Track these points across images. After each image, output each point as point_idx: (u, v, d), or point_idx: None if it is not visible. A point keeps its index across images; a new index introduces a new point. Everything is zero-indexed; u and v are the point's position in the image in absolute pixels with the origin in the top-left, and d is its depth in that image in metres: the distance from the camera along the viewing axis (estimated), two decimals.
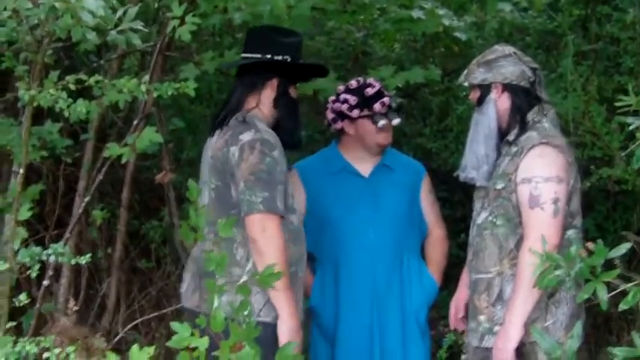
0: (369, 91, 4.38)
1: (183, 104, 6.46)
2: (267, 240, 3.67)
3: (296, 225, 3.91)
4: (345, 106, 4.38)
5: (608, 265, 4.78)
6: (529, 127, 3.88)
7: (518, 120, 3.90)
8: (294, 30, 4.31)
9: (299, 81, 4.11)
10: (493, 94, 3.91)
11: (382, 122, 4.37)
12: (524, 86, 3.91)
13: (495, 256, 3.86)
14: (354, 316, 4.36)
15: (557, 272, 2.97)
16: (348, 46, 6.86)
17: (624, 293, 2.78)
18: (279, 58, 3.95)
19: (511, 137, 3.89)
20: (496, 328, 3.83)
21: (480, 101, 3.95)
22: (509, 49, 4.01)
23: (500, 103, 3.91)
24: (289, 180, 3.94)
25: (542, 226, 3.69)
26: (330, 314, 4.41)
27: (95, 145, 5.35)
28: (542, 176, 3.73)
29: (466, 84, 4.00)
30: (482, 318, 3.89)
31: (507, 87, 3.90)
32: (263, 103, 3.96)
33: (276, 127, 3.95)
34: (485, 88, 3.92)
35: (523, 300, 3.69)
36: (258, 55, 3.97)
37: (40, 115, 4.87)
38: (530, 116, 3.90)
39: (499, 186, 3.84)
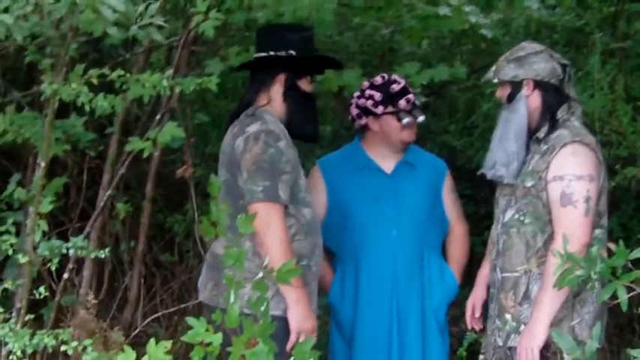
0: (395, 87, 4.37)
1: (208, 99, 6.47)
2: (267, 229, 3.68)
3: (308, 218, 3.92)
4: (369, 102, 4.37)
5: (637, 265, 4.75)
6: (559, 125, 3.86)
7: (548, 118, 3.87)
8: (304, 25, 4.39)
9: (309, 74, 4.09)
10: (524, 91, 3.87)
11: (407, 119, 4.36)
12: (554, 83, 3.88)
13: (522, 254, 3.84)
14: (373, 312, 4.36)
15: (578, 273, 2.95)
16: (375, 43, 6.83)
17: None
18: (283, 53, 3.99)
19: (541, 135, 3.86)
20: (522, 328, 3.83)
21: (510, 98, 3.91)
22: (539, 45, 3.99)
23: (531, 100, 3.88)
24: (301, 173, 3.96)
25: (573, 225, 3.68)
26: (349, 311, 4.41)
27: (120, 139, 5.36)
28: (574, 174, 3.72)
29: (495, 80, 3.95)
30: (508, 317, 3.88)
31: (539, 84, 3.87)
32: (274, 99, 4.01)
33: (288, 121, 4.00)
34: (516, 85, 3.89)
35: (551, 299, 3.68)
36: (264, 54, 4.03)
37: (67, 109, 4.90)
38: (560, 114, 3.88)
39: (528, 184, 3.82)
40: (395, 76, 4.45)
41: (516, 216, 3.87)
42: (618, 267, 2.80)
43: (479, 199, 6.18)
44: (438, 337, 4.41)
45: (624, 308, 2.80)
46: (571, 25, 5.81)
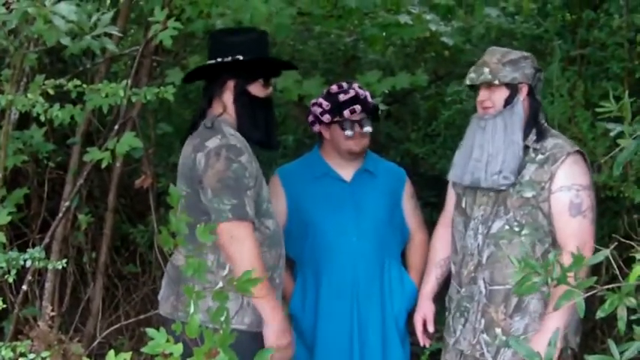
0: (342, 97, 4.36)
1: (172, 108, 6.45)
2: (238, 247, 3.63)
3: (272, 230, 3.87)
4: (318, 110, 4.39)
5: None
6: (546, 133, 3.88)
7: (532, 124, 3.88)
8: (253, 27, 4.30)
9: (260, 78, 3.94)
10: (520, 95, 3.86)
11: (348, 130, 4.36)
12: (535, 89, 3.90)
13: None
14: (334, 320, 4.37)
15: (536, 279, 2.95)
16: (338, 51, 6.85)
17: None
18: (229, 59, 3.87)
19: (529, 143, 3.86)
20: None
21: (508, 102, 3.86)
22: (521, 52, 3.98)
23: (524, 104, 3.87)
24: (263, 184, 3.90)
25: (585, 234, 3.73)
26: (310, 319, 4.41)
27: (82, 150, 5.32)
28: (581, 184, 3.76)
29: (496, 82, 3.84)
30: (498, 331, 3.87)
31: (530, 89, 3.88)
32: (228, 106, 3.90)
33: (238, 127, 3.88)
34: (513, 88, 3.85)
35: (565, 308, 3.62)
36: (213, 61, 3.92)
37: (29, 120, 4.88)
38: (540, 121, 3.91)
39: (528, 194, 3.81)
40: (354, 85, 4.43)
41: (507, 227, 3.85)
42: (576, 273, 2.81)
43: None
44: (398, 344, 4.41)
45: (582, 314, 2.80)
46: (531, 33, 5.84)
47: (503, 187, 3.83)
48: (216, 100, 3.92)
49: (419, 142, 6.32)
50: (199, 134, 3.83)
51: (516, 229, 3.83)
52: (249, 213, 3.68)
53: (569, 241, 3.72)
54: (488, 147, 3.86)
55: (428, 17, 5.42)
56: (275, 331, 3.73)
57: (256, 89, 3.92)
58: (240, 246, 3.63)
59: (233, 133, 3.81)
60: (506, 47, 4.19)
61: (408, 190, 4.56)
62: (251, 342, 3.71)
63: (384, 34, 5.72)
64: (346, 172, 4.46)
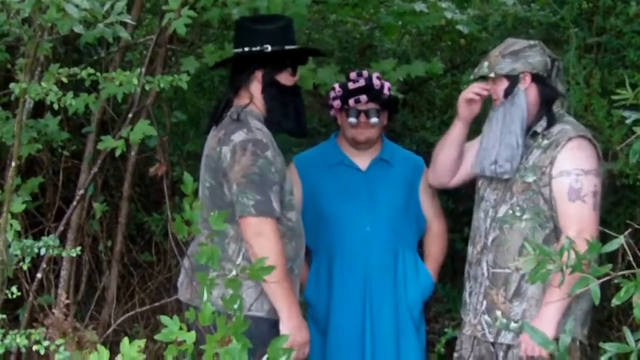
0: (351, 85, 4.38)
1: (187, 97, 6.46)
2: (261, 243, 3.62)
3: (294, 222, 3.86)
4: (332, 95, 4.42)
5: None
6: (557, 120, 3.87)
7: (544, 112, 3.88)
8: (279, 15, 4.26)
9: (289, 66, 3.91)
10: (522, 85, 3.86)
11: (352, 119, 4.38)
12: (546, 77, 3.88)
13: (515, 251, 3.82)
14: (346, 308, 4.38)
15: (550, 267, 2.94)
16: (354, 39, 6.84)
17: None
18: (257, 48, 3.83)
19: (539, 129, 3.86)
20: (512, 325, 3.84)
21: (508, 92, 3.88)
22: (528, 41, 3.98)
23: (528, 93, 3.87)
24: (287, 177, 3.86)
25: (584, 220, 3.71)
26: (323, 306, 4.42)
27: (97, 138, 5.33)
28: (582, 169, 3.73)
29: (492, 75, 3.89)
30: (498, 313, 3.88)
31: (535, 77, 3.87)
32: (255, 96, 3.86)
33: (268, 118, 3.85)
34: (513, 79, 3.87)
35: (561, 295, 3.62)
36: (239, 50, 3.87)
37: (44, 109, 4.89)
38: (555, 108, 3.89)
39: (529, 179, 3.82)
40: (373, 75, 4.42)
41: (511, 212, 3.86)
42: (591, 261, 2.80)
43: (458, 195, 6.17)
44: (412, 333, 4.40)
45: (597, 302, 2.80)
46: (547, 20, 5.82)
47: (505, 176, 3.86)
48: (242, 90, 3.88)
49: (434, 131, 6.30)
50: (224, 126, 3.80)
51: (518, 213, 3.85)
52: (275, 209, 3.68)
53: (568, 226, 3.71)
54: (491, 137, 3.92)
55: (444, 5, 5.39)
56: (289, 328, 3.68)
57: (284, 78, 3.88)
58: (264, 242, 3.63)
59: (260, 127, 3.78)
60: (522, 35, 4.19)
61: (425, 179, 4.52)
62: (270, 329, 3.70)
63: (399, 22, 5.69)
64: (362, 160, 4.46)
